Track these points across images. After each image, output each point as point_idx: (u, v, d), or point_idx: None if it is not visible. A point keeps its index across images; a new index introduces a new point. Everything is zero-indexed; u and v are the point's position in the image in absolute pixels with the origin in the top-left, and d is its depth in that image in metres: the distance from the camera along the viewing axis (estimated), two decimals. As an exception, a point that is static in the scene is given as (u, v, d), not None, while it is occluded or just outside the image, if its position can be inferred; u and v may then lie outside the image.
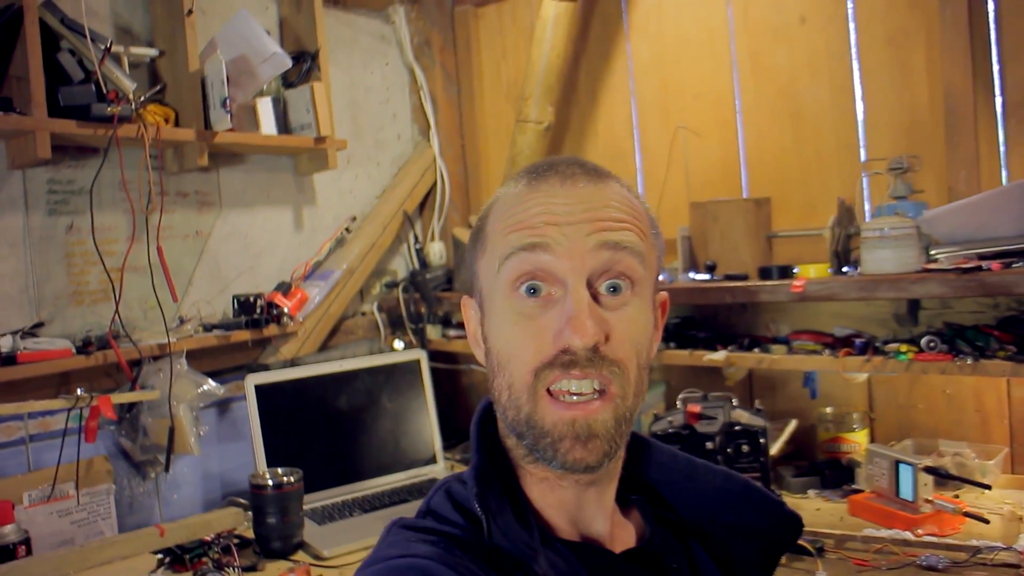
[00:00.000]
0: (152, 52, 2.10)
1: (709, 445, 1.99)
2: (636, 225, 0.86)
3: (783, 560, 1.66)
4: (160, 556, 1.84)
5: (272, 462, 2.15)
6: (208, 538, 1.89)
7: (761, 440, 1.98)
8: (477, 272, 0.91)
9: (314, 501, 2.17)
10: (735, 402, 2.03)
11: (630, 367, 0.82)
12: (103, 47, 1.88)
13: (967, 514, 1.74)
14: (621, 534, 0.93)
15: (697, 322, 2.38)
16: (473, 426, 0.92)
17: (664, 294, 0.94)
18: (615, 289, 0.83)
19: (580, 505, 0.88)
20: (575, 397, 0.80)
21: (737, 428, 1.99)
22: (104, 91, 1.90)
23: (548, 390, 0.81)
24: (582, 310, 0.79)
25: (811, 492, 2.07)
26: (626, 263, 0.83)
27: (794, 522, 0.98)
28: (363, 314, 2.70)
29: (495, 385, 0.86)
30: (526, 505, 0.88)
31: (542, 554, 0.82)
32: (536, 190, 0.86)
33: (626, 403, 0.82)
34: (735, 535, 0.96)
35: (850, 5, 2.17)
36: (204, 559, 1.83)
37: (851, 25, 2.17)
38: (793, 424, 2.23)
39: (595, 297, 0.82)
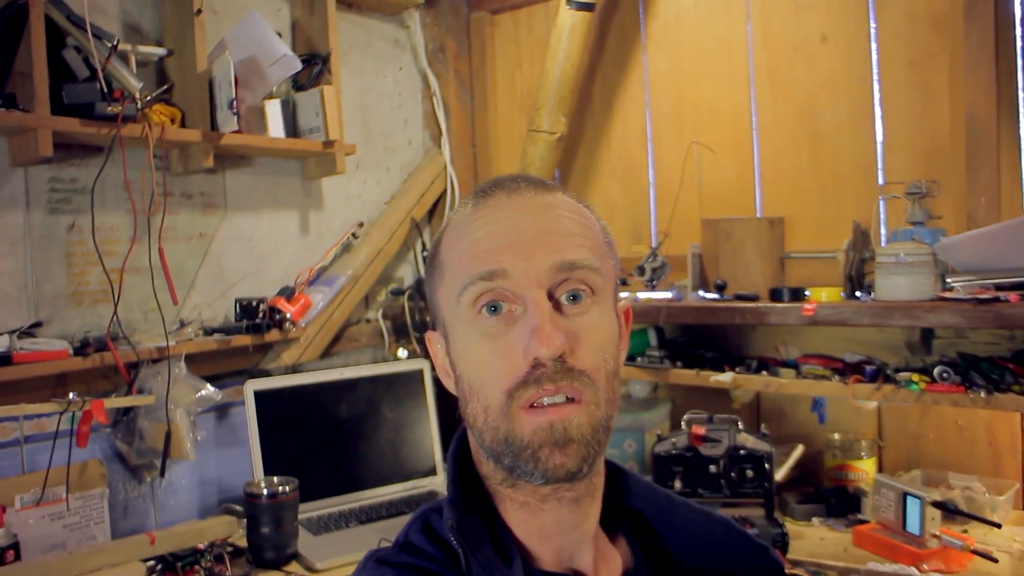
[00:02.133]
0: (160, 51, 2.08)
1: (713, 468, 1.95)
2: (589, 238, 0.85)
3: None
4: (151, 564, 1.82)
5: (270, 469, 2.12)
6: (201, 546, 1.87)
7: (766, 465, 1.94)
8: (438, 303, 0.89)
9: (310, 510, 2.14)
10: (741, 425, 1.99)
11: (598, 376, 0.81)
12: (110, 45, 1.86)
13: (975, 552, 1.70)
14: (606, 565, 0.89)
15: (705, 341, 2.34)
16: (449, 456, 0.90)
17: (625, 303, 0.92)
18: (575, 297, 0.82)
19: (562, 531, 0.85)
20: (547, 401, 0.79)
21: (742, 452, 1.95)
22: (109, 90, 1.87)
23: (521, 407, 0.80)
24: (545, 321, 0.79)
25: (815, 520, 2.03)
26: (583, 276, 0.82)
27: (778, 570, 0.95)
28: (367, 321, 2.67)
29: (469, 411, 0.84)
30: (506, 535, 0.85)
31: None
32: (484, 207, 0.86)
33: (599, 410, 0.81)
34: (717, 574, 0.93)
35: (873, 25, 2.13)
36: (196, 567, 1.81)
37: (873, 45, 2.13)
38: (799, 449, 2.19)
39: (557, 307, 0.81)
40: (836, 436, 2.18)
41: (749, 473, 1.94)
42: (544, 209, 0.85)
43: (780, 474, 2.10)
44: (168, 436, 1.99)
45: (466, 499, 0.85)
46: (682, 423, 2.02)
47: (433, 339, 0.93)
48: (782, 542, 1.81)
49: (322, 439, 2.27)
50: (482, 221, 0.84)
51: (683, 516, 0.94)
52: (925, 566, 1.70)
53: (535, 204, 0.85)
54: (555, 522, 0.85)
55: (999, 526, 1.80)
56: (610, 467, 0.93)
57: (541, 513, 0.84)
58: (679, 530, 0.93)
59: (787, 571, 1.62)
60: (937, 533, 1.74)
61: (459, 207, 0.90)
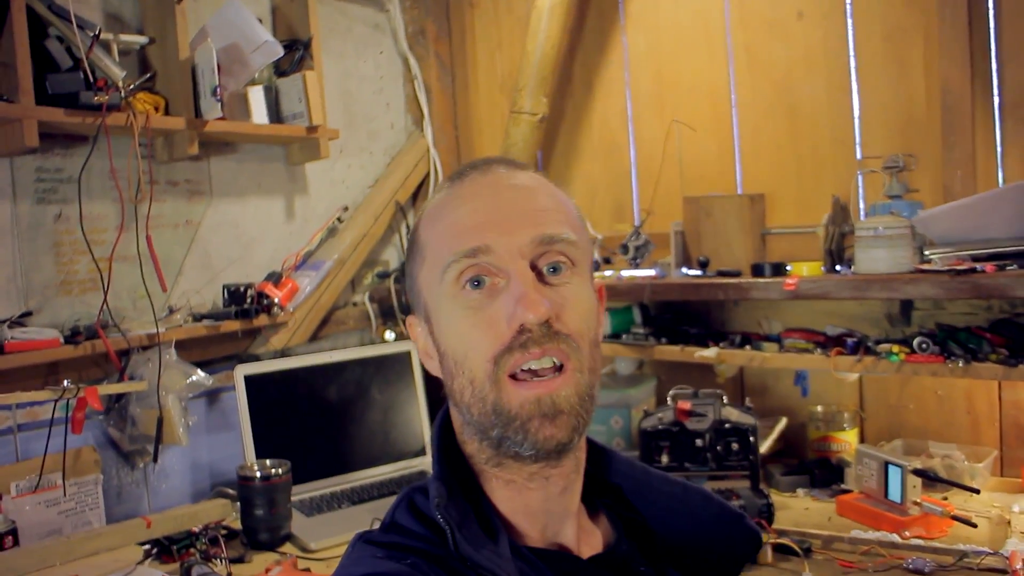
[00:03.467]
0: (142, 40, 2.07)
1: (699, 442, 1.98)
2: (565, 213, 0.88)
3: (769, 559, 1.67)
4: (147, 547, 1.84)
5: (261, 453, 2.14)
6: (196, 529, 1.89)
7: (751, 438, 1.97)
8: (419, 288, 0.91)
9: (303, 492, 2.17)
10: (725, 399, 2.02)
11: (583, 342, 0.84)
12: (92, 34, 1.86)
13: (955, 517, 1.73)
14: (588, 539, 0.92)
15: (689, 318, 2.37)
16: (433, 435, 0.91)
17: (600, 282, 0.95)
18: (556, 269, 0.85)
19: (547, 509, 0.88)
20: (536, 379, 0.81)
21: (727, 426, 1.98)
22: (93, 79, 1.87)
23: (509, 375, 0.82)
24: (530, 288, 0.81)
25: (800, 491, 2.07)
26: (563, 248, 0.85)
27: (754, 537, 0.98)
28: (354, 304, 2.69)
29: (455, 387, 0.86)
30: (492, 513, 0.87)
31: (510, 562, 0.82)
32: (460, 186, 0.89)
33: (584, 377, 0.83)
34: (695, 546, 0.95)
35: (848, 1, 2.15)
36: (191, 550, 1.83)
37: (848, 21, 2.15)
38: (783, 422, 2.22)
39: (540, 278, 0.84)
40: (819, 408, 2.22)
41: (734, 446, 1.97)
42: (519, 186, 0.88)
43: (765, 447, 2.14)
44: (160, 422, 2.01)
45: (451, 477, 0.87)
46: (668, 399, 2.05)
47: (414, 323, 0.94)
48: (768, 513, 1.85)
49: (312, 422, 2.30)
50: (460, 201, 0.87)
51: (660, 489, 0.97)
52: (907, 532, 1.74)
53: (509, 182, 0.88)
54: (540, 500, 0.87)
55: (978, 492, 1.83)
56: (591, 445, 0.95)
57: (527, 491, 0.86)
58: (657, 503, 0.96)
59: (773, 540, 1.67)
60: (918, 500, 1.78)
61: (434, 194, 0.93)
